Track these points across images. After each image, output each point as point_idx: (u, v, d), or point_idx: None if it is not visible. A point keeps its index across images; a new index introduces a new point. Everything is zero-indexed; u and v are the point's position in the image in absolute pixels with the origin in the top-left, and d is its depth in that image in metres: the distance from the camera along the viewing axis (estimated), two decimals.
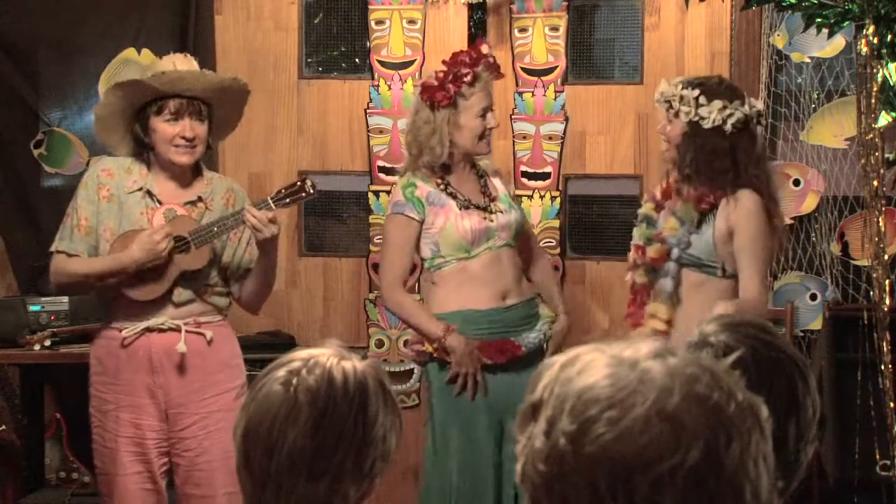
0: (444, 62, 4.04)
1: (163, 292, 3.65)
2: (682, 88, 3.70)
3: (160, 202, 3.69)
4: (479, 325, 3.94)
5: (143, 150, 3.70)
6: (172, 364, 3.65)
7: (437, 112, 3.93)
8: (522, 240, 4.14)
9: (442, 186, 3.99)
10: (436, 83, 3.95)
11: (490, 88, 4.02)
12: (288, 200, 3.65)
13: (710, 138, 3.65)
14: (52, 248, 3.74)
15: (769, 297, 4.78)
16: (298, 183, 3.66)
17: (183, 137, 3.63)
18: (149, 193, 3.69)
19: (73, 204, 3.73)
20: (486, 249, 3.96)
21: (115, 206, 3.68)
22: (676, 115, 3.69)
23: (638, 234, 3.85)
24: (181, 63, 3.70)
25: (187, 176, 3.74)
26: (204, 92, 3.67)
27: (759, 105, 3.77)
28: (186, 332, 3.65)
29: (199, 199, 3.73)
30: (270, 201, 3.62)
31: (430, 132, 3.94)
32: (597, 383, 1.09)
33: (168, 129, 3.64)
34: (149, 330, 3.65)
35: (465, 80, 3.93)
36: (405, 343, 4.86)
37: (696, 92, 3.67)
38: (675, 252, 3.70)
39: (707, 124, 3.65)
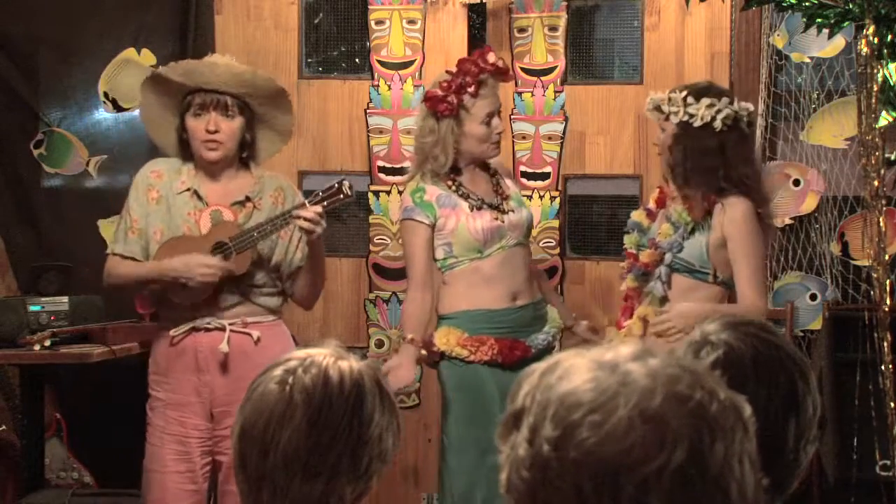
0: (447, 72, 4.01)
1: (205, 297, 3.67)
2: (670, 93, 3.72)
3: (207, 203, 3.71)
4: (489, 325, 3.93)
5: (188, 150, 3.73)
6: (218, 363, 3.68)
7: (440, 122, 3.92)
8: None
9: (454, 188, 3.98)
10: (439, 93, 3.92)
11: (496, 92, 4.00)
12: (326, 203, 3.62)
13: (700, 136, 3.67)
14: (108, 251, 3.78)
15: (769, 298, 4.78)
16: (336, 185, 3.65)
17: (206, 131, 3.65)
18: (196, 194, 3.71)
19: (126, 205, 3.77)
20: (499, 249, 3.95)
21: (164, 208, 3.71)
22: (667, 118, 3.72)
23: (629, 241, 3.87)
24: (217, 61, 3.74)
25: (232, 174, 3.76)
26: (223, 84, 3.68)
27: (750, 106, 3.77)
28: (232, 331, 3.67)
29: (247, 198, 3.74)
30: (307, 203, 3.60)
31: (434, 142, 3.92)
32: (578, 388, 1.08)
33: (196, 125, 3.67)
34: (195, 329, 3.68)
35: (469, 90, 3.91)
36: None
37: (684, 93, 3.70)
38: (668, 257, 3.71)
39: (696, 122, 3.68)
